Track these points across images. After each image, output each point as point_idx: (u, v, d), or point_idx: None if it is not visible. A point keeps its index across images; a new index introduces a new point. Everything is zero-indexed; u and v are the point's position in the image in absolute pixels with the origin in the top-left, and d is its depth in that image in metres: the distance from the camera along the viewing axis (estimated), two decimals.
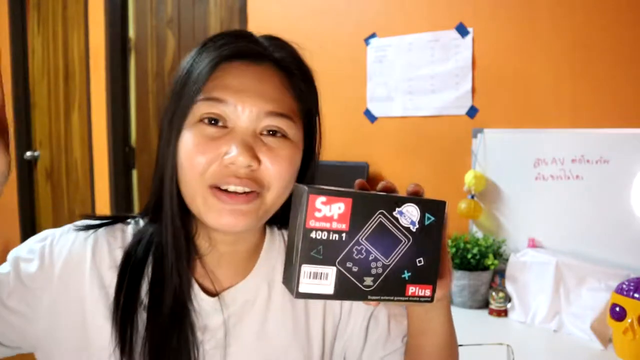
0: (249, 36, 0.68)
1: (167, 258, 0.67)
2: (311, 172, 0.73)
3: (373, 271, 0.51)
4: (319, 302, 0.75)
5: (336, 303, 0.76)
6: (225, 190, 0.63)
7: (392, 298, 0.52)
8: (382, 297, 0.52)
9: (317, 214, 0.49)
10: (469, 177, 1.77)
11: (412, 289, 0.53)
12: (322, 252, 0.49)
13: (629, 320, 1.26)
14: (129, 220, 0.73)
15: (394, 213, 0.51)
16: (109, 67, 2.82)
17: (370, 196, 0.51)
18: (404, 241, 0.52)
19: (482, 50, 1.83)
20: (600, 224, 1.60)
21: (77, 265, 0.66)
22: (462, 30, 1.86)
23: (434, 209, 0.53)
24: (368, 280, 0.51)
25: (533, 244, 1.70)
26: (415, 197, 0.53)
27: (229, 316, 0.70)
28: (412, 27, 1.97)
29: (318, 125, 0.73)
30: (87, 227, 0.70)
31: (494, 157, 1.80)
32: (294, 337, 0.73)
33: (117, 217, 0.73)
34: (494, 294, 1.60)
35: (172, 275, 0.66)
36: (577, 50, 1.67)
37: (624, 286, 1.30)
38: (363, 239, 0.50)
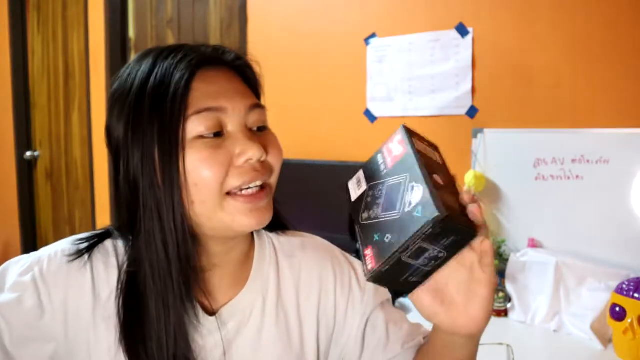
0: (205, 45, 0.67)
1: (170, 295, 0.63)
2: None
3: (371, 213, 0.57)
4: (313, 312, 0.75)
5: (330, 311, 0.76)
6: (240, 191, 0.62)
7: (360, 241, 0.57)
8: (360, 234, 0.57)
9: (390, 145, 0.59)
10: (469, 177, 1.77)
11: (368, 252, 0.55)
12: (371, 171, 0.60)
13: (629, 320, 1.26)
14: (113, 234, 0.70)
15: (412, 184, 0.54)
16: (109, 67, 2.82)
17: (415, 159, 0.55)
18: (396, 210, 0.54)
19: (482, 50, 1.83)
20: (600, 224, 1.60)
21: (78, 298, 0.64)
22: (462, 30, 1.86)
23: (425, 206, 0.51)
24: (366, 214, 0.57)
25: (533, 244, 1.70)
26: (426, 186, 0.52)
27: (227, 332, 0.69)
28: (412, 27, 1.97)
29: None
30: (78, 252, 0.66)
31: (494, 157, 1.80)
32: (288, 347, 0.72)
33: (102, 233, 0.70)
34: None
35: (174, 310, 0.63)
36: (577, 50, 1.67)
37: (624, 286, 1.30)
38: (386, 184, 0.57)
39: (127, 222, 0.65)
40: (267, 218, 0.65)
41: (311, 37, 2.22)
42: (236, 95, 0.64)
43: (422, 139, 0.61)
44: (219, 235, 0.66)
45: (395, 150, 0.58)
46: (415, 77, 1.97)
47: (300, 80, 2.24)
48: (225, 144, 0.62)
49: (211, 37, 2.56)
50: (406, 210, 0.52)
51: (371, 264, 0.54)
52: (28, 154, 3.24)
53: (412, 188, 0.53)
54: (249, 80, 0.69)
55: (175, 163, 0.60)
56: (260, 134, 0.66)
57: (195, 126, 0.60)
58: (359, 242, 0.57)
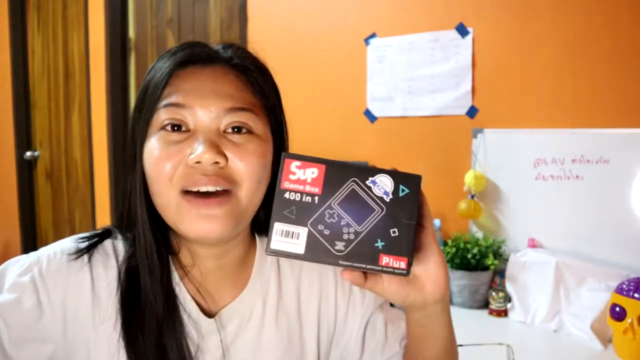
0: (201, 43, 0.68)
1: (144, 279, 0.64)
2: None
3: (345, 236, 0.53)
4: (314, 313, 0.74)
5: (330, 312, 0.75)
6: (197, 193, 0.61)
7: (364, 266, 0.53)
8: (353, 264, 0.53)
9: (292, 177, 0.53)
10: (469, 177, 1.77)
11: (385, 259, 0.53)
12: (295, 212, 0.52)
13: (629, 320, 1.26)
14: (114, 233, 0.71)
15: (367, 182, 0.53)
16: (109, 67, 2.82)
17: (344, 165, 0.54)
18: (376, 210, 0.53)
19: (482, 50, 1.83)
20: (600, 224, 1.60)
21: (77, 299, 0.64)
22: (462, 30, 1.86)
23: (408, 181, 0.54)
24: (339, 245, 0.53)
25: (533, 244, 1.70)
26: (389, 170, 0.54)
27: (226, 335, 0.69)
28: (412, 27, 1.97)
29: (284, 123, 0.73)
30: (79, 251, 0.66)
31: (494, 157, 1.80)
32: (288, 349, 0.72)
33: (103, 232, 0.70)
34: (494, 294, 1.60)
35: (154, 297, 0.64)
36: (577, 50, 1.67)
37: (624, 286, 1.30)
38: (335, 203, 0.53)
39: (127, 216, 0.68)
40: (218, 229, 0.62)
41: (311, 37, 2.22)
42: (210, 96, 0.63)
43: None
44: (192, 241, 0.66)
45: (308, 174, 0.53)
46: (415, 77, 1.97)
47: (300, 80, 2.24)
48: (183, 142, 0.62)
49: (211, 37, 2.56)
50: (389, 199, 0.53)
51: (402, 264, 0.53)
52: (28, 154, 3.23)
53: (374, 182, 0.53)
54: (254, 82, 0.67)
55: (140, 150, 0.64)
56: (237, 137, 0.64)
57: (159, 118, 0.63)
58: (367, 267, 0.53)
